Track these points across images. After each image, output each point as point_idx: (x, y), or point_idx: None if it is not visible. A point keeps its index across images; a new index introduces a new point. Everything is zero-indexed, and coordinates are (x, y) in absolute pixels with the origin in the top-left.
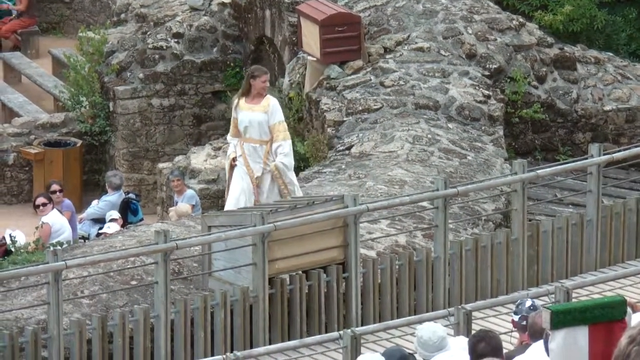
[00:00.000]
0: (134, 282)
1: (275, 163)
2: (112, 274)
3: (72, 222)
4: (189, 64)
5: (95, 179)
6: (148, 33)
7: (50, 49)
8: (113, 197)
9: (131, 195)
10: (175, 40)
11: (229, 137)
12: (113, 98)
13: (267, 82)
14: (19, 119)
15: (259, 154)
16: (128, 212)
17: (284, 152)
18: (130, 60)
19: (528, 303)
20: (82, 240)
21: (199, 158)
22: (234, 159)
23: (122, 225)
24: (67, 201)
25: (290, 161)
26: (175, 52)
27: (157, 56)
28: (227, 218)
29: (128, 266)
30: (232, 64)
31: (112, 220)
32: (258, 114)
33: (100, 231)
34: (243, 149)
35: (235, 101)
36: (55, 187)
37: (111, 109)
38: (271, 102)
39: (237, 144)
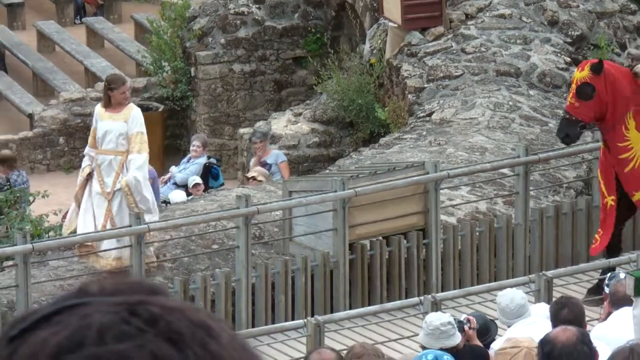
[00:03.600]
0: (215, 246)
1: (126, 178)
2: (193, 237)
3: (154, 187)
4: (270, 30)
5: (177, 143)
6: None
7: (133, 14)
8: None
9: (212, 160)
10: (257, 5)
11: (87, 148)
12: (195, 63)
13: (126, 92)
14: (102, 83)
15: (113, 167)
16: (209, 176)
17: (137, 165)
18: (211, 26)
19: (622, 275)
20: (164, 205)
21: (280, 124)
22: (90, 174)
23: (204, 190)
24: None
25: (143, 175)
26: (256, 17)
27: (238, 22)
28: (308, 183)
29: (209, 230)
30: (313, 30)
31: (195, 185)
32: (118, 123)
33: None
34: (97, 162)
35: (97, 109)
36: None
37: (193, 74)
38: (132, 112)
39: (94, 157)
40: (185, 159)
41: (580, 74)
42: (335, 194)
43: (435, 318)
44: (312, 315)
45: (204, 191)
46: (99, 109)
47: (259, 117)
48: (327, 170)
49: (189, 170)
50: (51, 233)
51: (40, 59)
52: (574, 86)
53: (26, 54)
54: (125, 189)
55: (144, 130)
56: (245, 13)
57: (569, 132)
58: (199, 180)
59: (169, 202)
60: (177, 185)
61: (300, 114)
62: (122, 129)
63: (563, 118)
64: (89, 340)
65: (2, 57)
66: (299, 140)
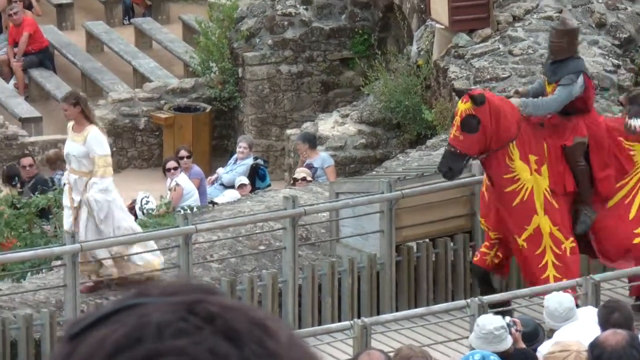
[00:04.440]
0: (262, 247)
1: (87, 196)
2: (240, 238)
3: (201, 188)
4: (317, 31)
5: (224, 144)
6: None
7: (181, 15)
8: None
9: (259, 161)
10: (304, 6)
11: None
12: (242, 64)
13: (66, 110)
14: (150, 84)
15: (78, 187)
16: (256, 177)
17: (98, 189)
18: (259, 27)
19: None
20: (211, 205)
21: (327, 125)
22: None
23: (250, 191)
24: (195, 168)
25: (104, 198)
26: (303, 18)
27: (285, 23)
28: (355, 185)
29: (256, 231)
30: (360, 31)
31: (240, 186)
32: (77, 145)
33: (214, 200)
34: (68, 179)
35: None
36: (183, 152)
37: (240, 75)
38: (89, 134)
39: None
40: (231, 160)
41: (464, 105)
42: (382, 196)
43: (489, 322)
44: (359, 317)
45: (250, 192)
46: (69, 125)
47: (306, 118)
48: (374, 172)
49: (236, 171)
50: None
51: (89, 59)
52: (458, 118)
53: (75, 54)
54: (89, 207)
55: (107, 152)
56: (293, 14)
57: (452, 166)
58: (245, 180)
59: (216, 203)
60: (224, 186)
61: (347, 116)
62: (80, 151)
63: (447, 151)
64: (147, 337)
65: (51, 57)
66: (346, 142)
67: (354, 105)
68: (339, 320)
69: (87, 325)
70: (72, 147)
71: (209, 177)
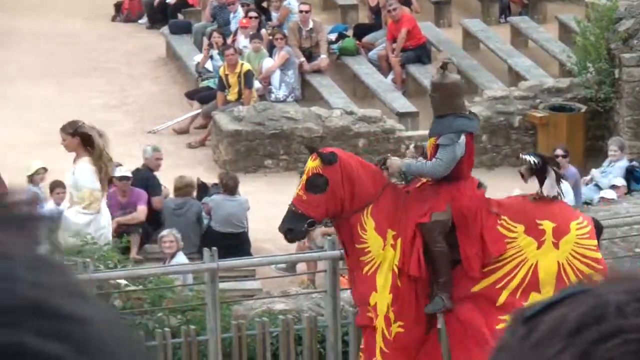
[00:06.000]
0: (638, 250)
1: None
2: (616, 240)
3: (576, 189)
4: None
5: (599, 145)
6: None
7: (557, 15)
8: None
9: (634, 163)
10: None
11: None
12: (619, 65)
13: (64, 140)
14: (525, 82)
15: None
16: (631, 179)
17: (81, 212)
18: (637, 28)
19: None
20: (584, 206)
21: None
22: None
23: (625, 193)
24: (571, 169)
25: (82, 221)
26: None
27: None
28: None
29: (633, 233)
30: None
31: (612, 186)
32: (69, 175)
33: (600, 196)
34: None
35: None
36: (559, 152)
37: (617, 76)
38: (78, 166)
39: None
40: (606, 162)
41: (312, 163)
42: None
43: None
44: None
45: (625, 194)
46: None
47: None
48: None
49: (610, 172)
50: None
51: (466, 56)
52: (304, 177)
53: (451, 51)
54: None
55: (95, 186)
56: None
57: (292, 226)
58: (620, 182)
59: (590, 203)
60: (599, 188)
61: None
62: (70, 181)
63: (288, 210)
64: (609, 315)
65: (429, 54)
66: None
67: None
68: None
69: (541, 308)
70: (67, 176)
71: (584, 178)
